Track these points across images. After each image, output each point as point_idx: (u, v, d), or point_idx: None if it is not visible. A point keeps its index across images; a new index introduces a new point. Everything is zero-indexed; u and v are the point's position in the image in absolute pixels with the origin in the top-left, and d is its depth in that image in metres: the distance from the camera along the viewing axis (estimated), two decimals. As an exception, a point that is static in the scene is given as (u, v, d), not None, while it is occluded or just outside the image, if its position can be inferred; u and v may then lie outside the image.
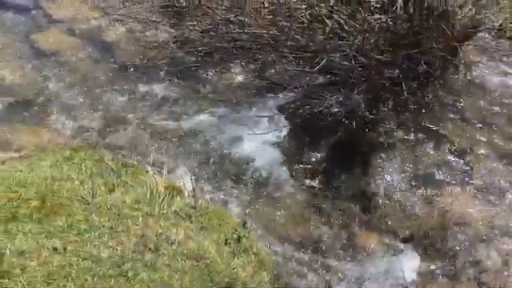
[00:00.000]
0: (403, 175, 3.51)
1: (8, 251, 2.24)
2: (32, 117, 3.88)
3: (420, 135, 3.81)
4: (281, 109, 4.03)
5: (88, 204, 2.69)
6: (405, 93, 3.96)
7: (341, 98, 3.89)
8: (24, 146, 3.41)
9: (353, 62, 3.82)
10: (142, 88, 4.17)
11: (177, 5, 4.70)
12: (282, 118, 3.96)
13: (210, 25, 4.48)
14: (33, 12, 5.09)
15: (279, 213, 3.26)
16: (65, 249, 2.32)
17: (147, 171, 3.15)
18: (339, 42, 3.97)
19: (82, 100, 4.05)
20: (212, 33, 4.51)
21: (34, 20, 4.98)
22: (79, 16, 4.98)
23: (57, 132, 3.69)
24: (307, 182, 3.55)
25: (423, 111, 3.99)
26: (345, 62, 3.89)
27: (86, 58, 4.52)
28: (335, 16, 3.95)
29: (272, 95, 4.11)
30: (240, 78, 4.32)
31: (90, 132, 3.72)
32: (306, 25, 4.07)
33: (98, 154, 3.25)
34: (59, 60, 4.50)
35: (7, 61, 4.42)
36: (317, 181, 3.56)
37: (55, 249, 2.32)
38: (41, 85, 4.22)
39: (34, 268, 2.19)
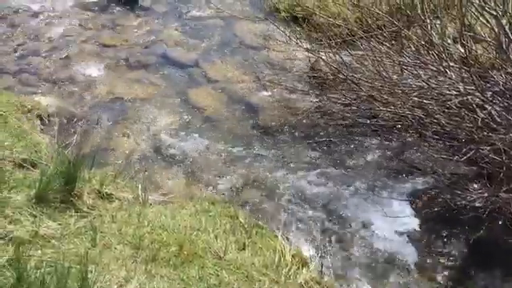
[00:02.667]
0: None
1: (146, 292, 2.39)
2: (178, 163, 4.22)
3: None
4: (418, 195, 3.89)
5: (220, 259, 2.79)
6: None
7: (486, 194, 3.64)
8: (169, 191, 3.70)
9: (504, 157, 3.59)
10: (281, 151, 4.34)
11: (324, 77, 4.86)
12: (418, 204, 3.81)
13: (353, 99, 4.54)
14: (192, 69, 5.63)
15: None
16: (195, 301, 2.42)
17: (276, 236, 3.22)
18: (490, 133, 3.77)
19: (223, 156, 4.32)
20: (354, 107, 4.58)
21: (191, 77, 5.50)
22: (232, 78, 5.40)
23: (198, 182, 3.96)
24: (438, 277, 3.34)
25: None
26: (494, 156, 3.67)
27: (231, 117, 4.84)
28: (488, 107, 3.78)
29: (410, 179, 4.00)
30: (377, 156, 4.28)
31: (228, 188, 3.93)
32: (454, 111, 3.96)
33: (232, 210, 3.38)
34: (207, 115, 4.88)
35: (163, 109, 4.90)
36: (448, 276, 3.33)
37: (187, 299, 2.42)
38: (187, 136, 4.59)
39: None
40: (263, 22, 6.26)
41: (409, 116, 4.12)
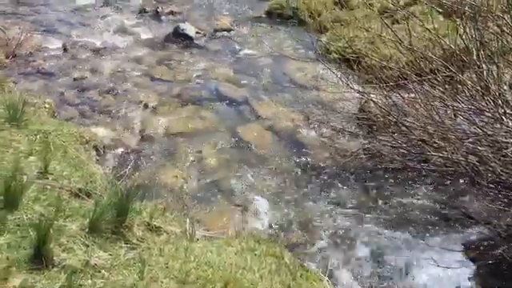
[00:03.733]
0: None
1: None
2: (225, 199, 4.26)
3: None
4: (471, 245, 3.73)
5: (265, 300, 2.77)
6: None
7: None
8: (215, 227, 3.73)
9: None
10: (328, 192, 4.30)
11: (374, 119, 4.83)
12: (471, 254, 3.65)
13: (403, 143, 4.48)
14: (242, 106, 5.74)
15: None
16: None
17: (321, 279, 3.16)
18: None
19: (269, 194, 4.32)
20: (404, 151, 4.50)
21: (241, 113, 5.61)
22: (281, 116, 5.47)
23: (244, 219, 3.97)
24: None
25: None
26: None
27: (279, 154, 4.86)
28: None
29: (462, 228, 3.85)
30: (428, 202, 4.16)
31: (274, 226, 3.91)
32: (511, 160, 3.82)
33: (278, 250, 3.35)
34: (255, 152, 4.92)
35: (213, 145, 4.99)
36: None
37: None
38: (235, 172, 4.63)
39: None
40: (313, 63, 6.35)
41: (462, 162, 4.00)
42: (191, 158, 4.75)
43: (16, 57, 6.40)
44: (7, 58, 6.27)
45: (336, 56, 6.34)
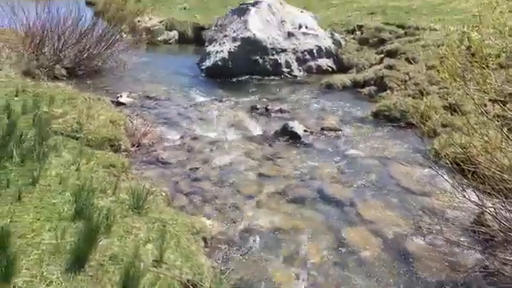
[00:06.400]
0: None
1: None
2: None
3: None
4: None
5: None
6: None
7: None
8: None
9: None
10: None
11: (492, 233, 4.50)
12: None
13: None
14: (346, 207, 5.68)
15: None
16: None
17: None
18: None
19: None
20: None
21: (346, 215, 5.53)
22: (387, 221, 5.30)
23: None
24: None
25: None
26: None
27: (385, 262, 4.65)
28: None
29: None
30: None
31: None
32: None
33: None
34: (360, 257, 4.76)
35: (316, 245, 4.92)
36: None
37: None
38: (339, 278, 4.48)
39: None
40: (422, 167, 6.18)
41: None
42: (295, 256, 4.71)
43: (140, 146, 7.06)
44: (132, 146, 6.94)
45: (448, 162, 6.13)
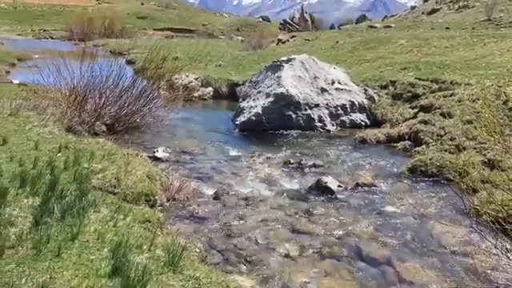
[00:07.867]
0: None
1: None
2: None
3: None
4: None
5: None
6: None
7: None
8: None
9: None
10: None
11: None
12: None
13: None
14: (384, 267, 5.51)
15: None
16: None
17: None
18: None
19: None
20: None
21: (384, 275, 5.36)
22: (428, 282, 5.09)
23: None
24: None
25: None
26: None
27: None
28: None
29: None
30: None
31: None
32: None
33: None
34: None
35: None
36: None
37: None
38: None
39: None
40: (463, 225, 5.99)
41: None
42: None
43: (175, 200, 7.14)
44: (168, 201, 7.03)
45: (489, 220, 5.92)
